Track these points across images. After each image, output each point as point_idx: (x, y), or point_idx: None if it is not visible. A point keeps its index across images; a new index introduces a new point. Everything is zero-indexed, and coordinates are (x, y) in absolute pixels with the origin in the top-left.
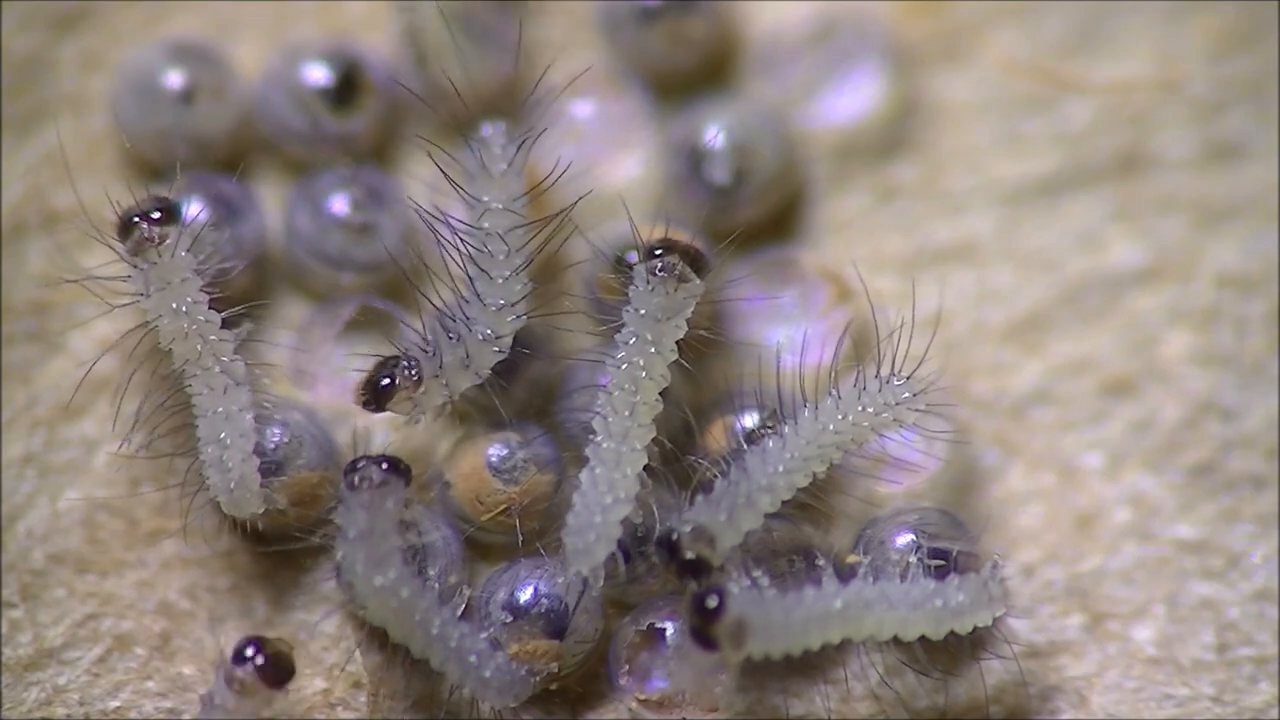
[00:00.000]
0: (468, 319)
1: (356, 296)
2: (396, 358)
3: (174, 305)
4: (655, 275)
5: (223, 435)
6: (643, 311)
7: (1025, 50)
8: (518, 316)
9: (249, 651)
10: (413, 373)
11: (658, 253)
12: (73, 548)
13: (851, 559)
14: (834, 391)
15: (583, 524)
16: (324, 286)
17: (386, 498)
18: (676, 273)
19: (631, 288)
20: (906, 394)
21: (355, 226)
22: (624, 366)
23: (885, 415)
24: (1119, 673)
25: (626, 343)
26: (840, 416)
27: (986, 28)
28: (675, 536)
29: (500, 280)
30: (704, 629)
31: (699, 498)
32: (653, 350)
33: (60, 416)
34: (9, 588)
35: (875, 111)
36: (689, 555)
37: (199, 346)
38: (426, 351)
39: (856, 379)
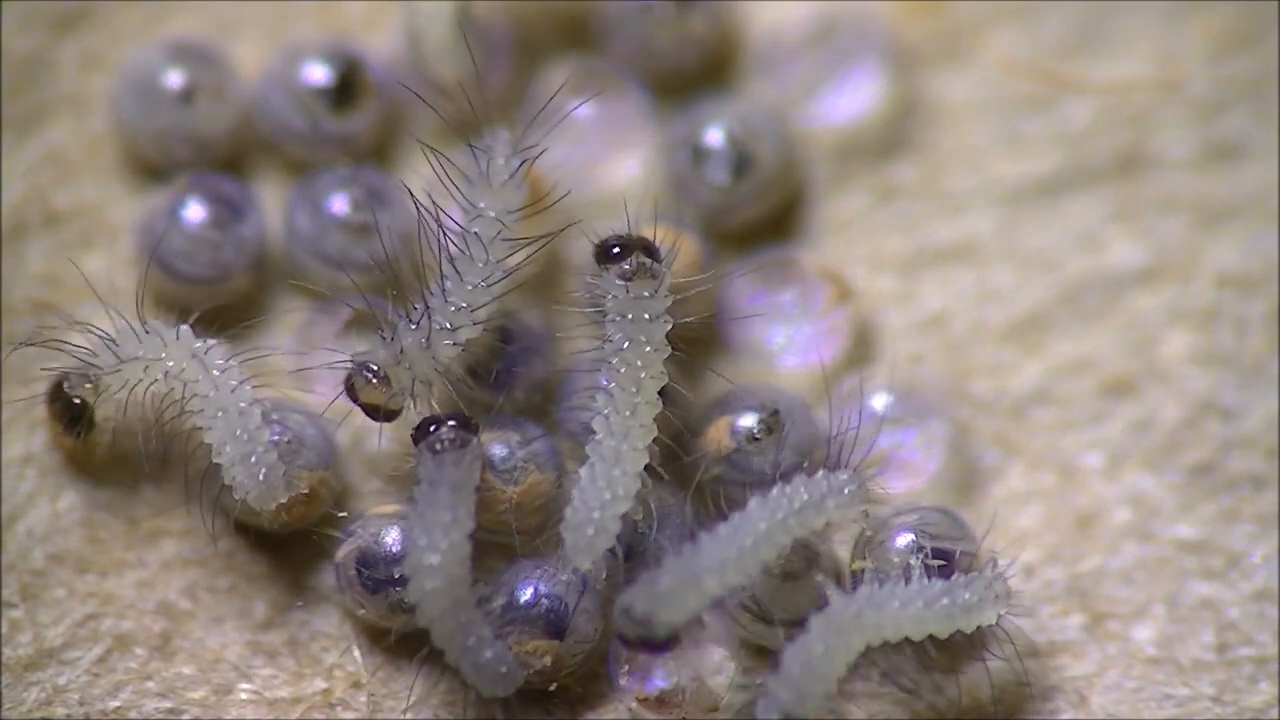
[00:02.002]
0: (429, 309)
1: (356, 296)
2: (352, 373)
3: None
4: (626, 280)
5: (239, 432)
6: (629, 316)
7: (1025, 50)
8: (474, 324)
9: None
10: (373, 375)
11: (615, 251)
12: (73, 548)
13: (856, 565)
14: (778, 488)
15: (581, 519)
16: (324, 286)
17: (469, 457)
18: (647, 271)
19: (608, 298)
20: (852, 487)
21: (355, 226)
22: (623, 370)
23: (835, 510)
24: (1119, 673)
25: (620, 346)
26: (783, 514)
27: (986, 28)
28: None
29: (469, 287)
30: None
31: (642, 575)
32: (648, 349)
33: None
34: (9, 588)
35: (875, 111)
36: (631, 637)
37: (197, 375)
38: (385, 339)
39: (799, 477)
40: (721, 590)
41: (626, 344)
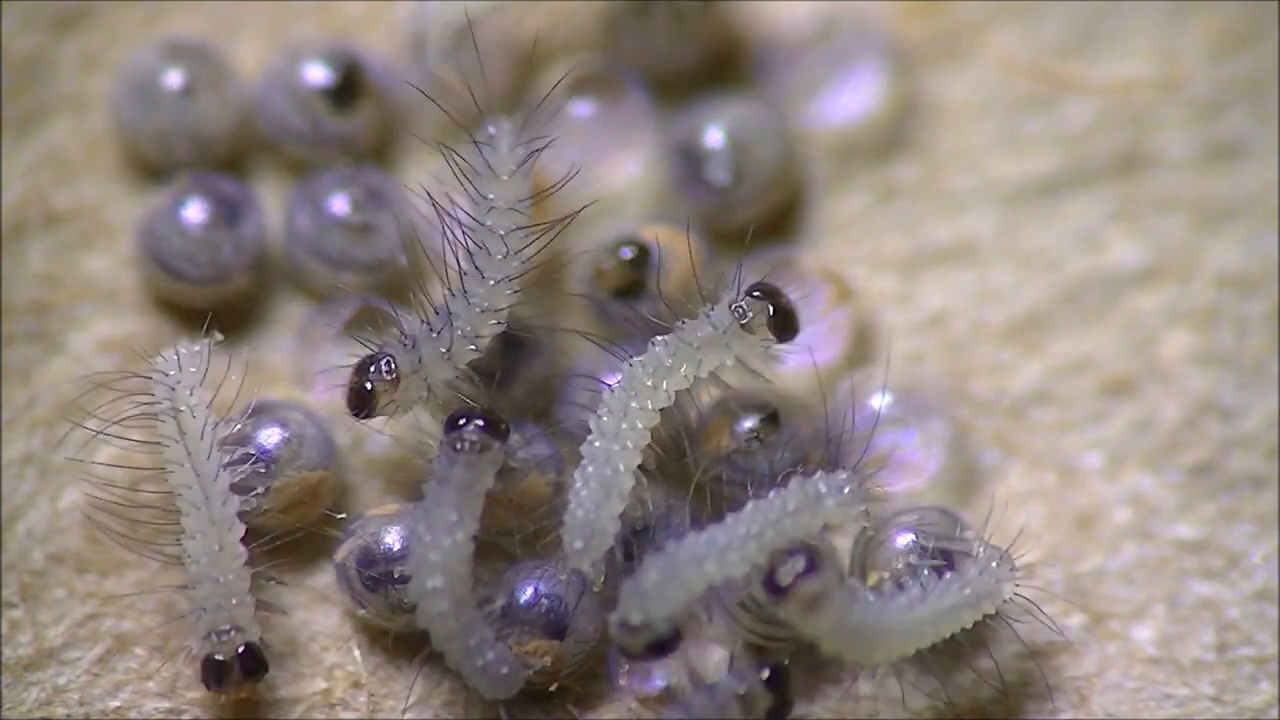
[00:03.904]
0: (450, 314)
1: (356, 296)
2: (371, 359)
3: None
4: (733, 312)
5: (221, 579)
6: (690, 337)
7: (1025, 50)
8: (499, 321)
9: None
10: (389, 371)
11: (755, 295)
12: (73, 548)
13: (874, 577)
14: (774, 490)
15: (578, 521)
16: (324, 286)
17: (484, 462)
18: (754, 320)
19: (703, 310)
20: (851, 487)
21: (355, 226)
22: (638, 375)
23: (833, 511)
24: (1119, 673)
25: (653, 349)
26: (778, 517)
27: (986, 28)
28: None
29: (491, 282)
30: (786, 581)
31: (624, 586)
32: (669, 366)
33: (60, 416)
34: (9, 588)
35: (875, 111)
36: (636, 648)
37: (197, 490)
38: (404, 344)
39: (796, 479)
40: (702, 583)
41: (658, 353)
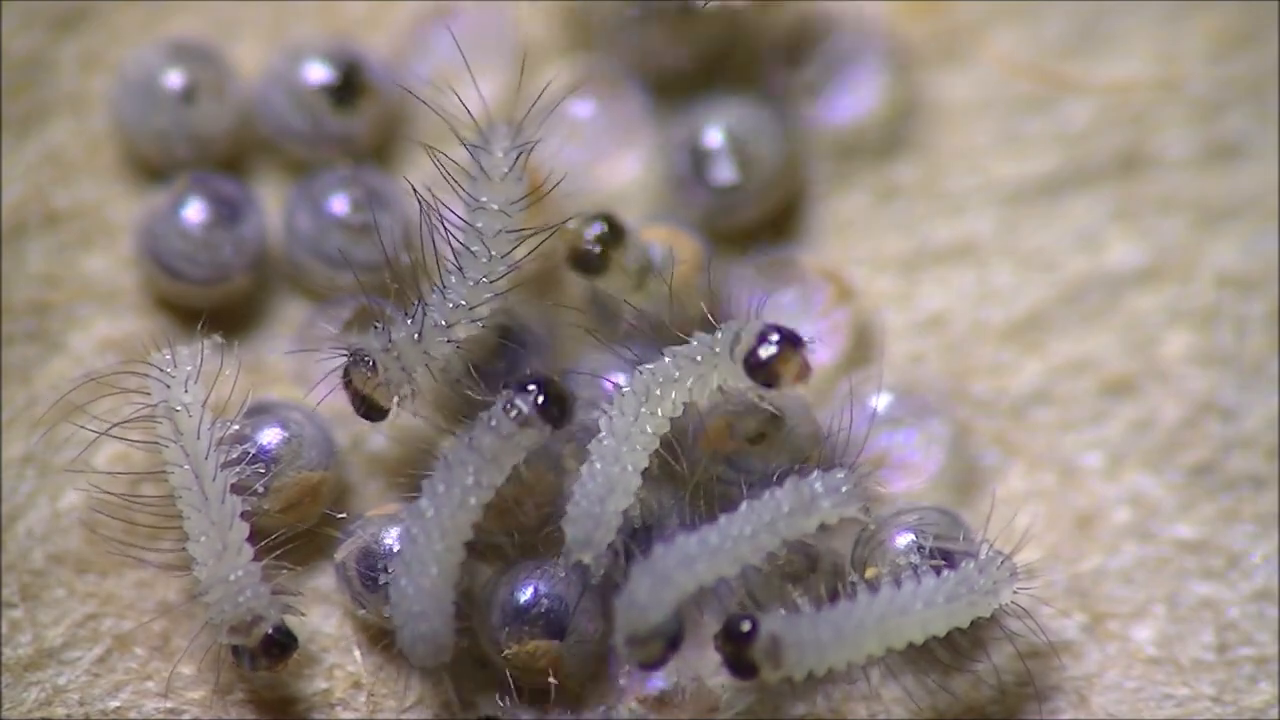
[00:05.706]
0: (427, 306)
1: (356, 296)
2: (348, 361)
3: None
4: (740, 339)
5: (231, 577)
6: (697, 354)
7: (1025, 50)
8: (475, 320)
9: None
10: (364, 363)
11: (774, 335)
12: (73, 548)
13: (871, 572)
14: (769, 491)
15: (582, 513)
16: (324, 286)
17: (520, 438)
18: (763, 356)
19: (718, 332)
20: (848, 486)
21: (355, 226)
22: (648, 383)
23: (830, 510)
24: (1119, 673)
25: (662, 362)
26: (776, 518)
27: (986, 28)
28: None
29: (471, 283)
30: (738, 655)
31: (618, 601)
32: (676, 379)
33: (60, 416)
34: (9, 588)
35: (875, 111)
36: (651, 658)
37: (197, 492)
38: (376, 329)
39: (792, 479)
40: (693, 584)
41: (670, 370)
